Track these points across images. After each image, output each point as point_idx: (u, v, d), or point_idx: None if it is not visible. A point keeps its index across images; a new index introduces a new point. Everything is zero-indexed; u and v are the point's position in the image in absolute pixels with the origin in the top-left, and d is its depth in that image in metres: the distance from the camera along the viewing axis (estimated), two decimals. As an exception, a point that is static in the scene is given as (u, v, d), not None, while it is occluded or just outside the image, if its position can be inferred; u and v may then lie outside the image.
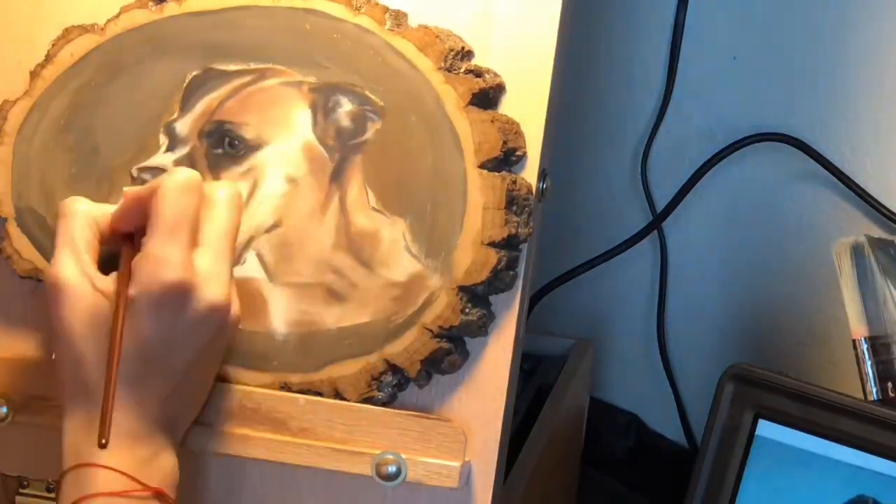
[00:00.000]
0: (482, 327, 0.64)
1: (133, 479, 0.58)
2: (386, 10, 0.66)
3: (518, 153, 0.65)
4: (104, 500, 0.58)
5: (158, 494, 0.59)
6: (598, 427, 1.05)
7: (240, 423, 0.64)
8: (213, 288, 0.60)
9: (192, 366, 0.61)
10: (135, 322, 0.59)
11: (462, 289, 0.63)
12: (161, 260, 0.59)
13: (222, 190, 0.63)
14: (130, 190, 0.62)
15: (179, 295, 0.59)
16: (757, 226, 1.00)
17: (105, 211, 0.63)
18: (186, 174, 0.61)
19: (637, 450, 1.08)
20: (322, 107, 0.66)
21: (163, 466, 0.61)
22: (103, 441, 0.58)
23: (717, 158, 0.97)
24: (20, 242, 0.68)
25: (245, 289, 0.65)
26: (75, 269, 0.60)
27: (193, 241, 0.60)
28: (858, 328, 0.82)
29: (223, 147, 0.67)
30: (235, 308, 0.62)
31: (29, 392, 0.66)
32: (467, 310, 0.63)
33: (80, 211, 0.62)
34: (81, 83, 0.68)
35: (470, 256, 0.63)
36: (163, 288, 0.58)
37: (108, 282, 0.61)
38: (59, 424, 0.61)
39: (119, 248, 0.62)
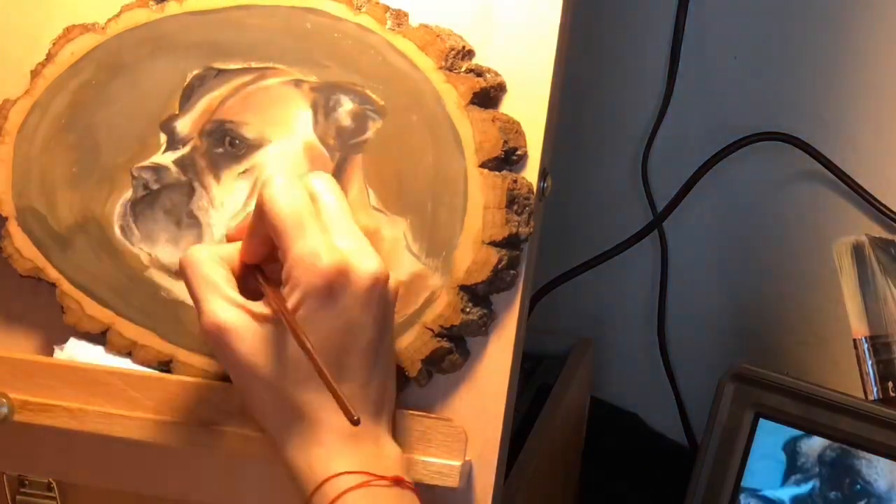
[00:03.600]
0: (483, 327, 0.64)
1: (370, 474, 0.58)
2: (387, 9, 0.66)
3: (519, 152, 0.65)
4: (351, 494, 0.57)
5: (396, 481, 0.59)
6: (599, 426, 1.05)
7: (240, 422, 0.64)
8: (366, 260, 0.59)
9: (379, 342, 0.60)
10: (311, 323, 0.58)
11: (463, 288, 0.63)
12: (306, 255, 0.58)
13: (317, 179, 0.61)
14: (236, 226, 0.62)
15: (340, 276, 0.58)
16: (757, 225, 1.00)
17: (225, 251, 0.62)
18: (280, 177, 0.60)
19: (637, 449, 1.08)
20: (323, 106, 0.66)
21: (390, 454, 0.61)
22: (355, 418, 0.56)
23: (717, 158, 0.97)
24: (21, 241, 0.68)
25: (246, 288, 0.65)
26: (229, 308, 0.59)
27: (323, 227, 0.59)
28: (859, 327, 0.82)
29: (224, 146, 0.67)
30: (394, 278, 0.61)
31: (29, 392, 0.66)
32: (468, 309, 0.63)
33: (203, 256, 0.60)
34: (82, 82, 0.68)
35: (470, 256, 0.63)
36: (323, 277, 0.57)
37: (264, 306, 0.59)
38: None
39: (253, 279, 0.61)
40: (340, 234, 0.60)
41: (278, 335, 0.59)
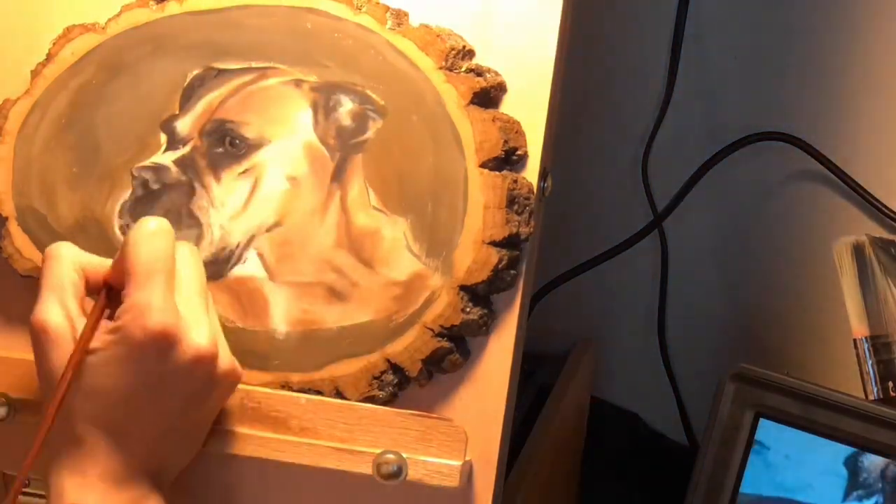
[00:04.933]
0: (483, 326, 0.64)
1: None
2: (387, 9, 0.66)
3: (519, 152, 0.65)
4: None
5: None
6: (599, 426, 1.05)
7: (240, 421, 0.64)
8: (196, 335, 0.59)
9: (181, 414, 0.60)
10: (118, 367, 0.58)
11: (463, 288, 0.63)
12: (142, 306, 0.58)
13: (184, 247, 0.62)
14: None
15: (163, 340, 0.58)
16: (757, 225, 1.00)
17: (92, 259, 0.62)
18: (156, 221, 0.61)
19: (637, 449, 1.08)
20: (323, 106, 0.66)
21: None
22: (11, 497, 0.57)
23: (717, 158, 0.97)
24: (21, 241, 0.68)
25: (246, 287, 0.65)
26: (60, 314, 0.59)
27: (171, 287, 0.59)
28: (859, 327, 0.82)
29: (224, 146, 0.67)
30: (227, 361, 0.61)
31: (29, 391, 0.66)
32: (468, 309, 0.63)
33: (67, 256, 0.61)
34: (82, 82, 0.68)
35: (471, 255, 0.63)
36: (146, 334, 0.57)
37: (85, 326, 0.59)
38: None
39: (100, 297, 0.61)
40: (185, 300, 0.59)
41: (88, 361, 0.58)
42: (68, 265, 0.60)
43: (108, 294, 0.61)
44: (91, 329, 0.59)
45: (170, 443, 0.61)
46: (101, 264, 0.62)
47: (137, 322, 0.58)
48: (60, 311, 0.59)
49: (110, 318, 0.60)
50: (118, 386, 0.58)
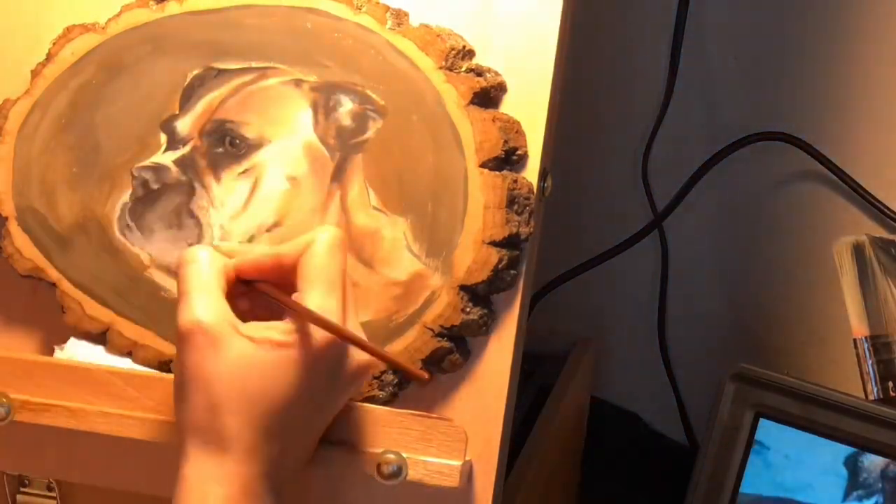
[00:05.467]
0: (483, 326, 0.64)
1: None
2: (387, 9, 0.66)
3: (519, 152, 0.65)
4: None
5: None
6: (599, 426, 1.05)
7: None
8: (359, 351, 0.59)
9: (322, 428, 0.60)
10: (289, 374, 0.57)
11: (463, 288, 0.63)
12: (329, 315, 0.57)
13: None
14: (272, 249, 0.60)
15: (339, 353, 0.58)
16: (757, 225, 1.00)
17: (228, 258, 0.61)
18: (338, 234, 0.59)
19: (637, 449, 1.08)
20: (323, 106, 0.66)
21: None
22: (427, 377, 0.59)
23: (717, 158, 0.97)
24: (21, 241, 0.68)
25: (246, 288, 0.65)
26: (216, 315, 0.57)
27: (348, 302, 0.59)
28: (859, 327, 0.82)
29: (224, 146, 0.67)
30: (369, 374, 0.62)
31: (29, 392, 0.66)
32: (468, 309, 0.63)
33: (207, 257, 0.59)
34: (82, 82, 0.68)
35: (471, 255, 0.63)
36: (328, 344, 0.57)
37: (252, 329, 0.57)
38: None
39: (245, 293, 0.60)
40: (352, 315, 0.60)
41: (250, 359, 0.57)
42: (211, 267, 0.59)
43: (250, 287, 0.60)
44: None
45: (301, 456, 0.60)
46: (232, 263, 0.60)
47: (320, 331, 0.57)
48: (214, 311, 0.57)
49: (250, 313, 0.59)
50: (288, 392, 0.57)
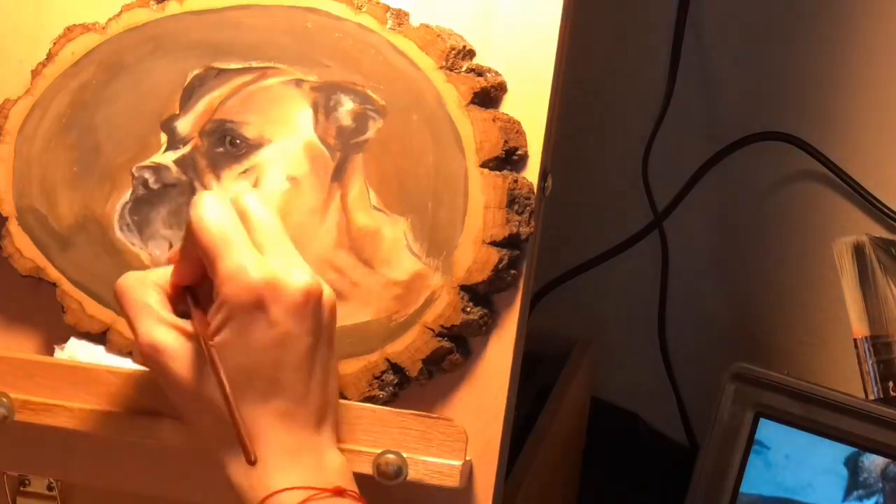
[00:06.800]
0: (483, 326, 0.64)
1: (311, 488, 0.58)
2: (387, 8, 0.66)
3: (519, 152, 0.65)
4: None
5: (338, 492, 0.59)
6: (599, 426, 1.05)
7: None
8: (297, 275, 0.59)
9: (314, 354, 0.60)
10: (239, 341, 0.58)
11: (463, 288, 0.63)
12: (234, 271, 0.58)
13: (247, 196, 0.62)
14: (172, 250, 0.62)
15: (269, 290, 0.58)
16: (757, 225, 1.00)
17: (157, 275, 0.62)
18: (207, 195, 0.60)
19: (637, 449, 1.08)
20: (323, 106, 0.66)
21: (331, 465, 0.60)
22: (252, 458, 0.57)
23: (717, 158, 0.97)
24: (21, 241, 0.68)
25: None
26: (162, 328, 0.59)
27: (254, 247, 0.59)
28: (859, 327, 0.82)
29: (224, 146, 0.67)
30: (328, 291, 0.61)
31: (29, 392, 0.66)
32: (468, 309, 0.63)
33: (132, 281, 0.61)
34: (83, 82, 0.68)
35: (471, 255, 0.63)
36: (251, 292, 0.57)
37: (196, 324, 0.60)
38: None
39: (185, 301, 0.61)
40: (272, 250, 0.60)
41: (216, 347, 0.58)
42: (140, 287, 0.60)
43: (193, 296, 0.61)
44: (201, 321, 0.59)
45: (319, 387, 0.60)
46: (167, 272, 0.62)
47: (237, 287, 0.57)
48: (159, 324, 0.59)
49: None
50: (252, 354, 0.58)
